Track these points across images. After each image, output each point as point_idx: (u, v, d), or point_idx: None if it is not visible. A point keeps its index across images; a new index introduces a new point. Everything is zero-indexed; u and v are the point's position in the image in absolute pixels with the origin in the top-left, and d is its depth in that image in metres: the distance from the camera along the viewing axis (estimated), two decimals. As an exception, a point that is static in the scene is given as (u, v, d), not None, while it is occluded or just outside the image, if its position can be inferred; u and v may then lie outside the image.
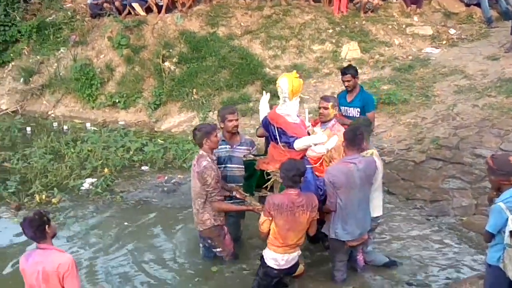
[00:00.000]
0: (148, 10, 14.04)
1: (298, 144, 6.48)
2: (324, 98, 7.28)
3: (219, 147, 6.81)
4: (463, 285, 6.45)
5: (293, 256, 6.08)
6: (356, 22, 13.55)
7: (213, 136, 6.47)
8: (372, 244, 6.87)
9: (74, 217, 8.55)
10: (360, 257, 6.83)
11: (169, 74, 12.88)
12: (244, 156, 7.14)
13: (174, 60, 13.07)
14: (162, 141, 10.99)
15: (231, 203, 6.88)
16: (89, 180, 9.57)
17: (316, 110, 7.94)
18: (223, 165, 6.98)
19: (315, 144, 6.44)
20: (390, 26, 13.54)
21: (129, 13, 14.06)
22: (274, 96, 7.41)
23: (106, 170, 9.78)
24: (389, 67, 12.35)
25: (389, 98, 10.90)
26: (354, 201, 6.29)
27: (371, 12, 13.71)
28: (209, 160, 6.45)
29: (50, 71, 13.72)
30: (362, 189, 6.33)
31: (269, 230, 5.97)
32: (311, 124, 7.05)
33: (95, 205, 8.89)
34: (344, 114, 7.63)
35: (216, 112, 11.36)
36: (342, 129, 6.83)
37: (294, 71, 8.17)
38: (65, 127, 12.31)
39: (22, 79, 13.79)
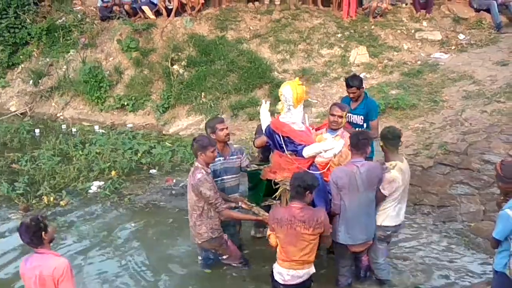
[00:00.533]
0: (158, 13, 14.07)
1: (307, 152, 6.50)
2: (340, 106, 7.19)
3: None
4: (470, 288, 6.52)
5: (300, 273, 6.02)
6: (365, 27, 13.57)
7: (209, 151, 6.42)
8: (385, 255, 6.75)
9: (82, 219, 8.58)
10: (364, 258, 6.80)
11: (178, 77, 12.88)
12: (247, 166, 7.21)
13: (183, 63, 13.09)
14: (170, 144, 10.99)
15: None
16: (97, 183, 9.58)
17: (324, 114, 7.92)
18: (220, 178, 6.96)
19: (326, 151, 6.47)
20: (399, 31, 13.56)
21: (138, 16, 14.08)
22: (276, 98, 7.40)
23: (113, 172, 9.81)
24: (398, 72, 12.36)
25: (397, 103, 10.90)
26: (357, 204, 6.30)
27: (380, 16, 13.74)
28: (204, 172, 6.41)
29: (59, 73, 13.75)
30: (365, 193, 6.34)
31: (275, 243, 6.00)
32: (315, 130, 7.07)
33: (103, 208, 8.94)
34: (347, 120, 7.58)
35: (224, 115, 11.52)
36: (346, 137, 6.84)
37: (297, 78, 8.25)
38: (74, 130, 12.34)
39: (31, 81, 13.81)
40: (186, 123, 12.20)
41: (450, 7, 14.26)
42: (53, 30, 14.18)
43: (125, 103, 12.93)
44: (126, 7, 14.03)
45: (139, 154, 10.50)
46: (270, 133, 6.82)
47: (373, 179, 6.38)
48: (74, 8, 14.67)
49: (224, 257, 6.81)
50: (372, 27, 13.57)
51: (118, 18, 14.00)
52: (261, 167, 7.09)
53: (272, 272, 6.10)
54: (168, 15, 13.91)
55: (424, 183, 8.77)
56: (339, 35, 13.35)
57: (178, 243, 7.90)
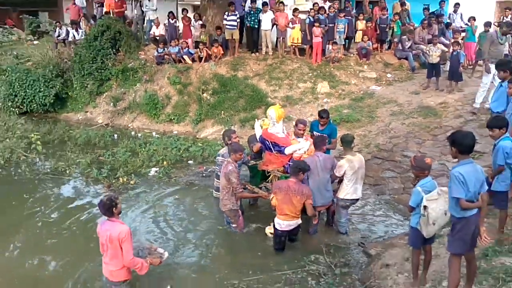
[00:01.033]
0: (193, 60, 14.04)
1: (288, 150, 6.81)
2: (302, 123, 7.40)
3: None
4: (395, 239, 6.58)
5: (291, 223, 6.22)
6: (327, 69, 13.53)
7: (238, 154, 6.58)
8: (346, 217, 6.84)
9: (144, 192, 8.64)
10: (315, 222, 6.84)
11: (206, 101, 12.89)
12: (248, 162, 7.31)
13: (209, 92, 13.07)
14: (201, 144, 10.99)
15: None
16: (154, 169, 9.60)
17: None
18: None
19: (300, 149, 6.69)
20: (348, 72, 13.53)
21: (181, 62, 14.09)
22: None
23: (165, 162, 9.84)
24: (348, 98, 12.37)
25: (348, 118, 10.95)
26: (318, 180, 6.46)
27: (337, 62, 13.73)
28: (234, 166, 6.53)
29: (129, 98, 13.76)
30: (322, 174, 6.51)
31: (275, 203, 6.17)
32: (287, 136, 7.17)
33: (158, 185, 8.97)
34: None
35: (235, 126, 11.60)
36: (310, 140, 7.08)
37: (278, 104, 8.38)
38: (139, 135, 12.35)
39: (112, 104, 13.81)
40: (211, 131, 12.20)
41: (381, 56, 14.26)
42: (126, 70, 14.17)
43: (172, 118, 12.92)
44: (173, 56, 14.04)
45: (181, 151, 10.49)
46: (262, 140, 7.10)
47: (327, 165, 6.57)
48: (140, 57, 14.67)
49: (233, 225, 6.86)
50: (332, 69, 13.54)
51: (168, 63, 14.00)
52: (257, 162, 7.25)
53: (274, 223, 6.30)
54: (200, 61, 13.89)
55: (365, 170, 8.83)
56: (310, 74, 13.35)
57: (204, 208, 7.94)
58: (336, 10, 14.08)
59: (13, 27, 20.37)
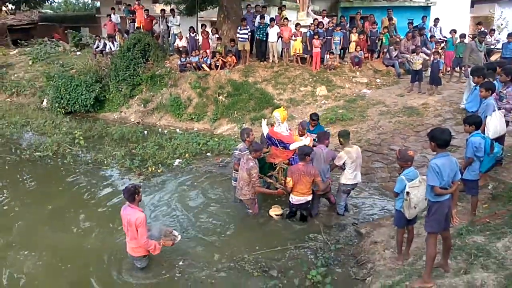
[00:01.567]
0: (210, 68, 14.05)
1: (293, 146, 6.80)
2: (302, 125, 7.43)
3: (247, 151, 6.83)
4: (382, 220, 6.59)
5: (301, 198, 6.38)
6: (325, 75, 13.47)
7: (258, 153, 6.55)
8: (345, 201, 6.82)
9: (169, 180, 8.66)
10: (331, 198, 7.00)
11: (221, 103, 12.90)
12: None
13: (224, 95, 13.07)
14: (217, 139, 11.00)
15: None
16: (178, 160, 9.62)
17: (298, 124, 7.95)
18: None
19: (304, 145, 6.70)
20: (343, 77, 13.46)
21: (200, 69, 14.10)
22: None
23: (187, 155, 9.87)
24: (343, 100, 12.31)
25: (342, 117, 10.88)
26: (319, 169, 6.46)
27: (333, 69, 13.66)
28: (254, 162, 6.52)
29: (157, 100, 13.81)
30: (324, 164, 6.56)
31: (292, 184, 6.27)
32: (290, 134, 7.17)
33: (181, 174, 8.99)
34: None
35: (246, 124, 11.61)
36: (310, 137, 7.12)
37: (282, 107, 8.34)
38: (165, 131, 12.38)
39: (142, 105, 13.89)
40: (226, 128, 12.20)
41: (372, 64, 14.16)
42: (154, 77, 14.23)
43: (193, 117, 12.93)
44: (194, 64, 14.08)
45: (200, 145, 10.51)
46: (269, 137, 7.09)
47: (329, 157, 6.59)
48: (166, 65, 14.73)
49: (250, 210, 6.84)
50: (329, 75, 13.48)
51: (189, 71, 14.04)
52: (265, 155, 7.23)
53: (289, 198, 6.49)
54: (216, 69, 13.90)
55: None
56: (310, 80, 13.30)
57: (219, 193, 7.94)
58: (333, 25, 14.08)
59: (59, 40, 20.55)
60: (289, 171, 6.39)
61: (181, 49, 14.90)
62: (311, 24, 14.04)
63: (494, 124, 5.94)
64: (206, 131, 12.23)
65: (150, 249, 5.28)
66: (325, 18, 14.93)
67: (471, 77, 7.35)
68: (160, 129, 12.65)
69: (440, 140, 4.18)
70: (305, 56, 13.97)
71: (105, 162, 9.59)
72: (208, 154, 10.15)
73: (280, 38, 13.94)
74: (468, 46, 11.06)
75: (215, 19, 16.31)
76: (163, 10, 16.49)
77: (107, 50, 16.25)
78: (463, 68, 12.34)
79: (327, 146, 6.74)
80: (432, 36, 14.35)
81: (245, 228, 6.63)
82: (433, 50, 12.26)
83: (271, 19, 13.83)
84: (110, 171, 9.23)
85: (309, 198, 6.41)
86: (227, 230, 6.58)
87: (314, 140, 7.15)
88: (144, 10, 16.40)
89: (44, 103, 14.83)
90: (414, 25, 14.78)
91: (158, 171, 9.00)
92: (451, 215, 4.49)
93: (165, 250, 5.65)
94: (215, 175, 8.81)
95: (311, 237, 6.19)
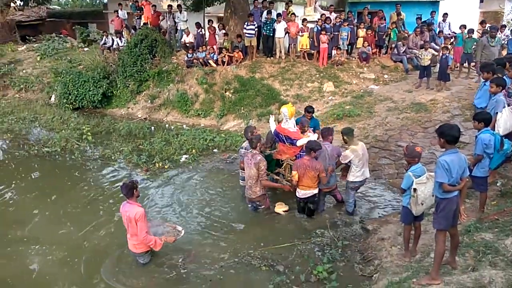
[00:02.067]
0: (217, 63, 14.04)
1: (300, 143, 6.81)
2: (303, 122, 7.28)
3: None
4: (389, 216, 6.57)
5: (307, 192, 6.40)
6: (332, 71, 13.41)
7: (260, 144, 6.56)
8: (353, 198, 6.75)
9: (176, 175, 8.69)
10: (338, 196, 7.00)
11: (228, 99, 12.89)
12: (264, 151, 7.26)
13: (231, 91, 13.06)
14: (224, 135, 11.00)
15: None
16: (185, 156, 9.65)
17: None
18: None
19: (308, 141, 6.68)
20: (350, 73, 13.39)
21: (207, 65, 14.11)
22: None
23: (194, 150, 9.87)
24: (350, 96, 12.25)
25: (349, 113, 10.83)
26: (326, 166, 6.44)
27: (340, 65, 13.60)
28: (261, 156, 6.51)
29: (164, 96, 13.83)
30: (329, 161, 6.51)
31: (297, 178, 6.30)
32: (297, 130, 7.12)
33: (188, 169, 9.02)
34: None
35: (253, 120, 11.61)
36: (317, 134, 7.16)
37: (290, 102, 8.32)
38: (172, 127, 12.41)
39: (149, 101, 13.91)
40: (233, 124, 12.20)
41: (379, 59, 14.06)
42: (161, 73, 14.23)
43: (200, 113, 12.93)
44: (200, 60, 14.07)
45: (207, 141, 10.51)
46: (276, 133, 7.09)
47: (333, 154, 6.56)
48: (172, 61, 14.73)
49: (262, 206, 6.82)
50: (336, 71, 13.41)
51: (196, 66, 14.03)
52: (272, 151, 7.27)
53: (295, 193, 6.53)
54: (223, 64, 13.91)
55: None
56: (317, 76, 13.24)
57: (225, 189, 7.95)
58: (340, 20, 13.99)
59: (67, 36, 20.59)
60: (294, 165, 6.40)
61: (188, 44, 14.90)
62: (318, 19, 13.95)
63: (505, 120, 5.89)
64: (213, 127, 12.23)
65: (150, 244, 5.29)
66: (333, 13, 14.85)
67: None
68: (167, 125, 12.68)
69: (449, 136, 4.16)
70: (312, 51, 13.90)
71: (113, 157, 9.64)
72: (215, 150, 10.17)
73: (287, 34, 13.87)
74: (480, 42, 10.97)
75: (222, 14, 16.28)
76: (170, 6, 16.46)
77: (114, 46, 16.28)
78: (471, 64, 12.24)
79: (331, 142, 6.70)
80: (441, 32, 14.19)
81: (252, 224, 6.63)
82: (442, 45, 12.15)
83: (278, 15, 13.76)
84: (117, 166, 9.27)
85: (316, 191, 6.41)
86: (235, 226, 6.58)
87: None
88: (152, 6, 16.41)
89: (52, 99, 14.93)
90: (422, 20, 14.66)
91: (165, 167, 9.03)
92: (459, 211, 4.46)
93: (173, 246, 5.66)
94: (222, 171, 8.82)
95: (318, 233, 6.18)
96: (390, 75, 13.35)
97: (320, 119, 9.94)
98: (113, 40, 16.47)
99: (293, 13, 14.01)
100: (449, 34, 14.14)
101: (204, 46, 14.51)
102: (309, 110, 7.72)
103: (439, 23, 14.97)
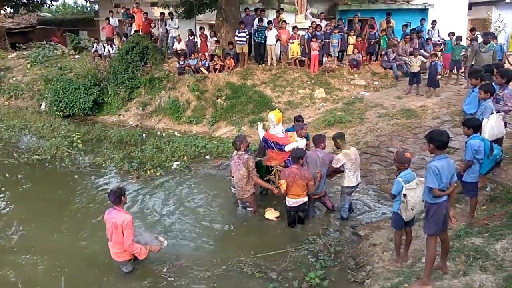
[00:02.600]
0: (209, 70, 14.07)
1: (288, 148, 6.78)
2: (302, 128, 7.28)
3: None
4: (381, 222, 6.58)
5: (298, 200, 6.34)
6: (323, 78, 13.48)
7: (245, 143, 6.64)
8: (349, 203, 6.75)
9: (168, 182, 8.65)
10: (328, 204, 6.96)
11: (220, 106, 12.90)
12: (255, 158, 7.32)
13: (223, 98, 13.07)
14: (216, 142, 11.00)
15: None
16: (176, 163, 9.60)
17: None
18: None
19: (297, 147, 6.69)
20: (341, 80, 13.48)
21: (199, 72, 14.12)
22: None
23: (185, 157, 9.84)
24: (341, 102, 12.32)
25: (341, 119, 10.89)
26: (315, 173, 6.44)
27: (331, 72, 13.69)
28: (248, 155, 6.58)
29: (156, 103, 13.80)
30: (320, 168, 6.50)
31: (286, 187, 6.25)
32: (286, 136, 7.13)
33: (179, 176, 8.97)
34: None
35: (244, 127, 11.61)
36: (306, 139, 7.11)
37: (277, 108, 8.36)
38: (164, 134, 12.38)
39: (141, 108, 13.89)
40: (225, 130, 12.21)
41: (370, 66, 14.18)
42: (153, 80, 14.22)
43: (191, 120, 12.93)
44: (192, 67, 14.09)
45: (199, 147, 10.49)
46: (265, 140, 7.10)
47: (326, 160, 6.54)
48: (164, 68, 14.74)
49: (250, 208, 6.88)
50: (327, 77, 13.49)
51: (188, 73, 14.04)
52: (262, 158, 7.30)
53: (285, 201, 6.45)
54: (215, 71, 13.93)
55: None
56: (308, 82, 13.30)
57: (216, 196, 7.93)
58: (331, 27, 14.13)
59: (58, 44, 20.53)
60: (282, 174, 6.36)
61: (179, 52, 14.92)
62: (309, 26, 14.07)
63: (491, 126, 5.96)
64: (205, 134, 12.22)
65: (135, 252, 5.21)
66: (323, 20, 14.96)
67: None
68: (158, 132, 12.64)
69: (438, 142, 4.20)
70: (303, 58, 14.00)
71: (103, 165, 9.57)
72: (207, 156, 10.15)
73: (278, 41, 13.96)
74: (471, 48, 11.12)
75: (214, 22, 16.31)
76: (162, 14, 16.51)
77: (105, 53, 16.25)
78: (460, 70, 12.40)
79: (323, 149, 6.71)
80: (429, 39, 14.38)
81: (244, 231, 6.60)
82: (431, 52, 12.31)
83: (269, 22, 13.86)
84: (108, 174, 9.20)
85: (305, 199, 6.41)
86: (227, 233, 6.56)
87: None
88: (143, 14, 16.42)
89: (43, 106, 14.81)
90: (412, 27, 14.83)
91: (157, 174, 8.98)
92: (449, 216, 4.49)
93: (162, 254, 5.60)
94: (214, 178, 8.80)
95: (310, 240, 6.18)
96: (381, 81, 13.46)
97: (311, 125, 9.97)
98: (104, 47, 16.43)
99: (284, 21, 14.12)
100: (438, 41, 14.35)
101: (196, 53, 14.54)
102: (298, 119, 7.77)
103: (428, 30, 15.20)
